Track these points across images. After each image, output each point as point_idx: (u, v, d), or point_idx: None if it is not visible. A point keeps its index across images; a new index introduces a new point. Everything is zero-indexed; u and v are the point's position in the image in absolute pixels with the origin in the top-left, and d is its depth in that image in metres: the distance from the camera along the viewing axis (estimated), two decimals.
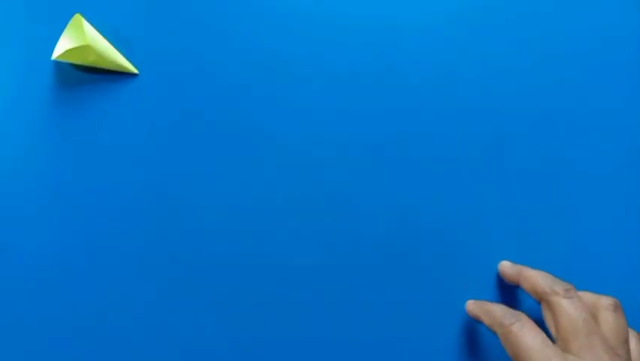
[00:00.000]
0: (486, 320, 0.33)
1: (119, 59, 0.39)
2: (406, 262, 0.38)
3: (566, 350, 0.29)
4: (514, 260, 0.37)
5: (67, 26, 0.38)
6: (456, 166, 0.39)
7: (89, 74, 0.40)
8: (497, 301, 0.37)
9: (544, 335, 0.30)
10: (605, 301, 0.31)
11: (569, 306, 0.30)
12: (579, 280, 0.33)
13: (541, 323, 0.31)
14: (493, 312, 0.32)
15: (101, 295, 0.38)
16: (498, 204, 0.38)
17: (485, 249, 0.38)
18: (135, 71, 0.40)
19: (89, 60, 0.39)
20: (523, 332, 0.30)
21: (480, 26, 0.41)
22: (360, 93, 0.40)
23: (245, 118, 0.40)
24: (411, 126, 0.39)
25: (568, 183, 0.39)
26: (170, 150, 0.39)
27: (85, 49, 0.38)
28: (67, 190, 0.39)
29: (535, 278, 0.32)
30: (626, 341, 0.30)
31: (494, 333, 0.32)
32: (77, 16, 0.38)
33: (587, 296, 0.31)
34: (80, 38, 0.38)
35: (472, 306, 0.35)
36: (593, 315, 0.30)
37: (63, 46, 0.38)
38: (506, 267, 0.36)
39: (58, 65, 0.40)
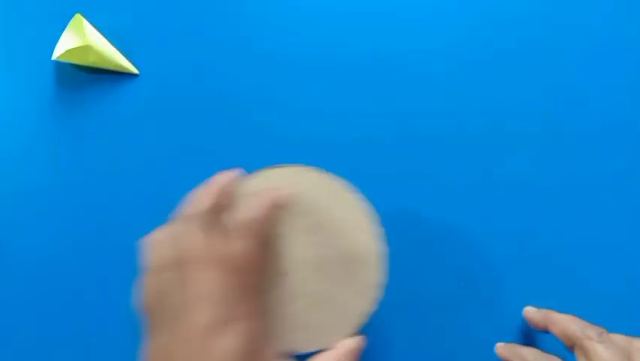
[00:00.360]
0: None
1: (119, 59, 0.39)
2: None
3: None
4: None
5: (68, 26, 0.38)
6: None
7: (89, 74, 0.40)
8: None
9: None
10: (638, 344, 0.31)
11: (604, 351, 0.30)
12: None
13: None
14: (525, 356, 0.32)
15: (101, 294, 0.38)
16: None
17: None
18: (135, 71, 0.40)
19: (89, 60, 0.39)
20: None
21: (479, 28, 0.41)
22: (363, 94, 0.40)
23: (244, 118, 0.40)
24: (416, 129, 0.39)
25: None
26: (170, 149, 0.39)
27: (85, 49, 0.38)
28: (68, 190, 0.39)
29: (565, 323, 0.32)
30: None
31: None
32: (77, 16, 0.38)
33: (620, 339, 0.31)
34: (80, 38, 0.38)
35: (501, 349, 0.34)
36: (628, 358, 0.30)
37: (63, 46, 0.38)
38: (532, 312, 0.35)
39: (58, 65, 0.40)
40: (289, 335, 0.32)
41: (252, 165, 0.39)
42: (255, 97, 0.40)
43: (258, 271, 0.26)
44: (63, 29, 0.39)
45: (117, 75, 0.40)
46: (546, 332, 0.33)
